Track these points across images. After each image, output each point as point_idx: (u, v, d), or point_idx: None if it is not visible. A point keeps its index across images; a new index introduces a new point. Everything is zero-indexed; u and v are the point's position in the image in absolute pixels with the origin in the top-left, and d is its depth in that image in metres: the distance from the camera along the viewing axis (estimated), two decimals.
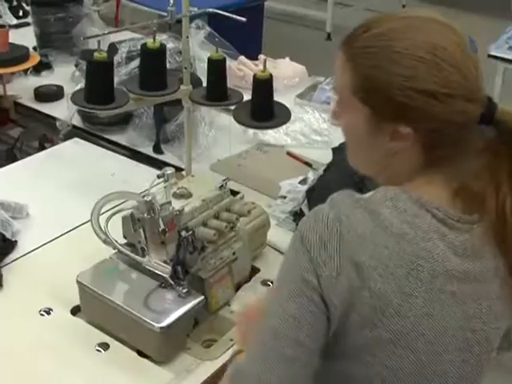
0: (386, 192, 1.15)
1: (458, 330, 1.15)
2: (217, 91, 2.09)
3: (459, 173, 1.18)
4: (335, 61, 1.21)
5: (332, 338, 1.13)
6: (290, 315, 1.10)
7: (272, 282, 1.86)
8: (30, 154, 2.75)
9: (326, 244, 1.09)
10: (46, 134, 3.15)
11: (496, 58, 4.15)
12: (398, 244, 1.10)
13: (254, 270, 1.90)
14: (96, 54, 1.91)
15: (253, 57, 3.20)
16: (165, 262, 1.62)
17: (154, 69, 2.03)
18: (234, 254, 1.77)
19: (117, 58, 2.69)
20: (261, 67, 2.03)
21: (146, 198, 1.59)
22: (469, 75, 1.12)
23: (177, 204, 1.67)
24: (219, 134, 2.64)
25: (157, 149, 2.60)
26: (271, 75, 1.99)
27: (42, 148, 3.15)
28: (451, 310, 1.14)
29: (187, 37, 2.09)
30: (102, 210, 1.68)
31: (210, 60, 2.08)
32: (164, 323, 1.57)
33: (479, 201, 1.16)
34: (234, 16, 1.80)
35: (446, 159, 1.16)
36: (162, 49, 2.00)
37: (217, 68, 2.07)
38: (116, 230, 1.69)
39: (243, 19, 1.87)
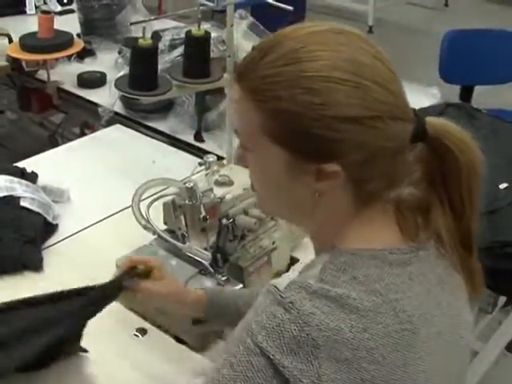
0: (333, 263, 0.99)
1: (452, 364, 1.08)
2: None
3: (395, 198, 1.06)
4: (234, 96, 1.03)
5: None
6: None
7: None
8: (70, 140, 2.78)
9: (298, 352, 0.92)
10: (87, 120, 3.18)
11: None
12: (375, 322, 0.95)
13: (293, 260, 1.89)
14: (141, 41, 1.92)
15: None
16: (205, 249, 1.63)
17: (198, 56, 2.03)
18: (273, 243, 1.77)
19: (160, 46, 2.69)
20: None
21: (187, 185, 1.59)
22: (395, 90, 0.97)
23: (218, 192, 1.67)
24: None
25: (198, 137, 2.61)
26: None
27: (82, 134, 3.18)
28: (441, 349, 1.04)
29: (232, 25, 2.08)
30: (143, 197, 1.68)
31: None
32: None
33: (419, 223, 1.06)
34: (281, 5, 1.79)
35: (381, 191, 1.03)
36: (206, 36, 2.01)
37: None
38: (156, 217, 1.70)
39: (290, 8, 1.85)
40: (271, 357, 0.93)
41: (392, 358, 0.96)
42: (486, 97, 3.72)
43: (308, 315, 0.93)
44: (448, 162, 1.02)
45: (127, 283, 1.44)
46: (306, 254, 1.93)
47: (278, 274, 1.82)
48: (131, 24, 2.73)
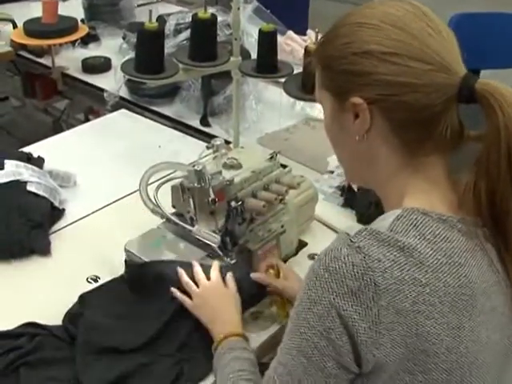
0: (405, 217, 1.03)
1: (499, 343, 1.09)
2: (267, 63, 2.07)
3: (453, 165, 1.10)
4: None
5: None
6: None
7: None
8: (75, 126, 2.77)
9: (359, 295, 0.97)
10: (91, 105, 3.17)
11: None
12: (437, 279, 0.99)
13: (301, 244, 1.88)
14: (147, 24, 1.90)
15: (299, 34, 3.17)
16: (213, 231, 1.62)
17: (204, 39, 2.01)
18: (282, 226, 1.76)
19: (165, 31, 2.68)
20: (309, 42, 2.00)
21: (196, 167, 1.57)
22: (423, 39, 1.04)
23: (226, 174, 1.65)
24: (266, 109, 2.64)
25: (204, 121, 2.60)
26: None
27: (87, 120, 3.17)
28: (493, 326, 1.06)
29: (238, 8, 2.07)
30: (150, 181, 1.68)
31: (260, 32, 2.06)
32: None
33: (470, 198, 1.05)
34: None
35: (422, 141, 1.07)
36: (212, 19, 1.99)
37: (267, 40, 2.05)
38: (164, 201, 1.69)
39: None
40: (332, 300, 0.98)
41: (448, 317, 0.99)
42: None
43: (374, 261, 0.98)
44: (490, 124, 1.01)
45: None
46: (315, 237, 1.93)
47: (287, 259, 1.81)
48: (138, 6, 2.71)
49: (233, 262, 1.63)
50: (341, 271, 0.98)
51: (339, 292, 0.98)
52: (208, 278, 1.54)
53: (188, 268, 1.57)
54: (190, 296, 1.53)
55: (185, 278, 1.55)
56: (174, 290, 1.54)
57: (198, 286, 1.53)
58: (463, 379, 1.03)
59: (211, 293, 1.51)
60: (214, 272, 1.55)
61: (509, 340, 1.11)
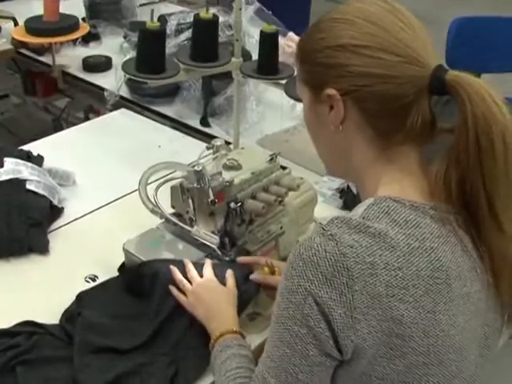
0: (377, 205, 1.06)
1: (477, 329, 1.10)
2: (268, 64, 2.07)
3: (427, 156, 1.13)
4: None
5: (355, 372, 1.06)
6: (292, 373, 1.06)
7: None
8: (75, 125, 2.76)
9: (333, 281, 0.99)
10: (92, 104, 3.17)
11: None
12: (410, 263, 1.01)
13: None
14: (149, 23, 1.90)
15: (300, 35, 3.17)
16: (213, 232, 1.61)
17: (206, 39, 2.01)
18: (281, 228, 1.75)
19: (166, 31, 2.68)
20: None
21: (196, 168, 1.57)
22: (395, 32, 1.07)
23: (226, 175, 1.65)
24: (267, 110, 2.64)
25: (204, 122, 2.60)
26: None
27: (86, 119, 3.17)
28: (470, 312, 1.07)
29: (240, 8, 2.07)
30: (149, 181, 1.67)
31: (262, 33, 2.06)
32: None
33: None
34: None
35: (395, 131, 1.09)
36: (214, 19, 1.99)
37: (269, 41, 2.05)
38: (163, 201, 1.69)
39: None
40: (308, 287, 1.00)
41: (423, 301, 1.01)
42: (492, 85, 3.69)
43: (346, 247, 1.00)
44: (460, 113, 1.03)
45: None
46: None
47: (285, 260, 1.81)
48: (140, 5, 2.71)
49: (226, 259, 1.63)
50: (314, 259, 1.00)
51: (314, 279, 1.00)
52: (202, 276, 1.54)
53: (181, 266, 1.58)
54: (185, 295, 1.53)
55: (178, 275, 1.55)
56: (171, 287, 1.54)
57: (191, 283, 1.53)
58: (441, 363, 1.05)
59: (204, 290, 1.51)
60: (207, 269, 1.55)
61: (487, 327, 1.12)
